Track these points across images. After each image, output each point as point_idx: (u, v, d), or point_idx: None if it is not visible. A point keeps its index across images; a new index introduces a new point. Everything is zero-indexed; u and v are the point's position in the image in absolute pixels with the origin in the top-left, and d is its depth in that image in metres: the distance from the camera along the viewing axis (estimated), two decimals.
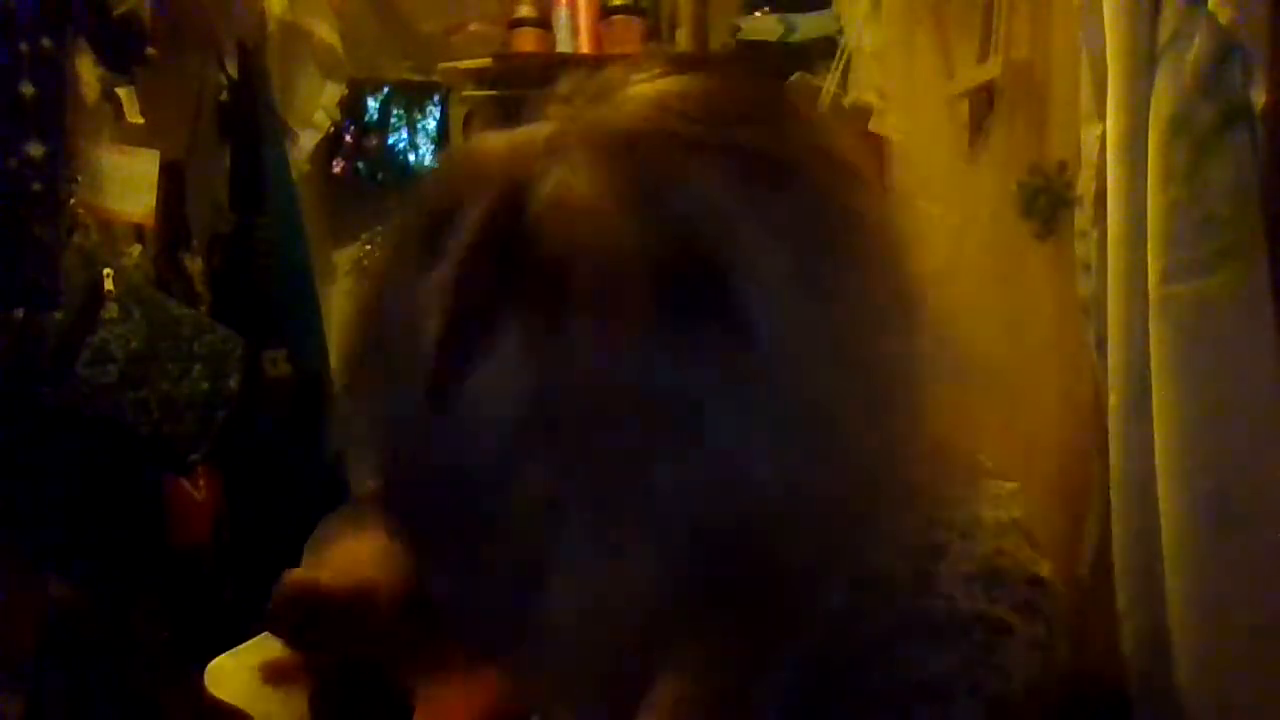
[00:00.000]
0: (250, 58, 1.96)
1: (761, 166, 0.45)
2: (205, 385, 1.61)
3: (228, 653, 0.94)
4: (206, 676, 0.92)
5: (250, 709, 0.88)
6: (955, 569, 0.56)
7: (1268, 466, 0.96)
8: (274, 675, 0.86)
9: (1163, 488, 1.03)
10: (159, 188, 1.69)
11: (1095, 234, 1.16)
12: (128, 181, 1.62)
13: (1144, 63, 1.03)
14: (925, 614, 0.55)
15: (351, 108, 2.23)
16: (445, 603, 0.48)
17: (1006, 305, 1.36)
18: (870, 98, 1.75)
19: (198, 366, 1.60)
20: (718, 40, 2.19)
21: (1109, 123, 1.09)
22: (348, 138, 2.26)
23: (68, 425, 1.45)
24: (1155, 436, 1.03)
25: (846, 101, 1.79)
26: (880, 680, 0.54)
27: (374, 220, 2.34)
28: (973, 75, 1.54)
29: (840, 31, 1.99)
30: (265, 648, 0.87)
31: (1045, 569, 0.58)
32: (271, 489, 1.92)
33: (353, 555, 0.86)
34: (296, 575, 0.82)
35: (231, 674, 0.92)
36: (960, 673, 0.53)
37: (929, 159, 1.65)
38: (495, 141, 0.45)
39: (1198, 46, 0.96)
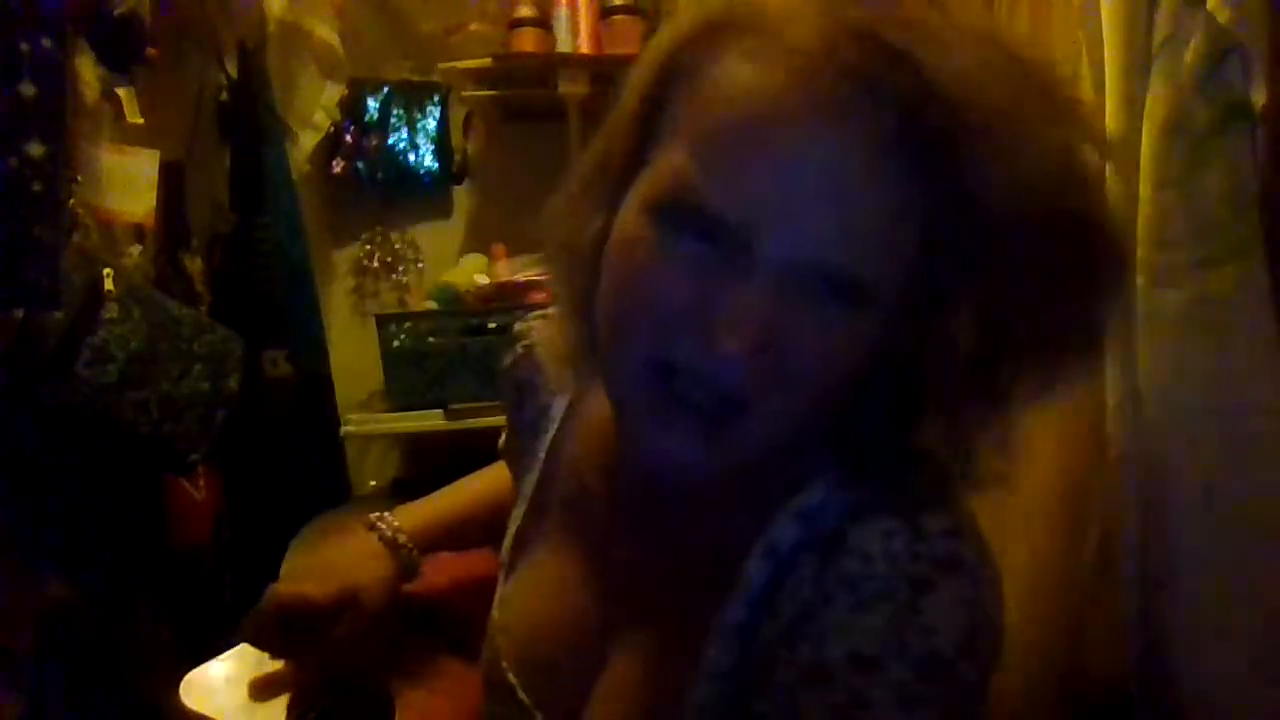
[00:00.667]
0: (250, 58, 1.97)
1: None
2: (205, 385, 1.61)
3: (206, 663, 0.94)
4: (183, 687, 0.92)
5: (227, 719, 0.88)
6: (873, 525, 0.56)
7: (1267, 466, 0.96)
8: (264, 690, 0.86)
9: (1162, 488, 1.03)
10: (159, 188, 1.69)
11: None
12: (128, 181, 1.62)
13: (1142, 62, 1.03)
14: (843, 578, 0.55)
15: (351, 108, 2.23)
16: None
17: None
18: None
19: (198, 366, 1.60)
20: None
21: (1108, 123, 1.09)
22: (348, 138, 2.26)
23: (68, 425, 1.45)
24: (1154, 437, 1.03)
25: None
26: (805, 653, 0.54)
27: (374, 220, 2.34)
28: None
29: None
30: (244, 657, 0.87)
31: (966, 517, 0.57)
32: (271, 489, 1.92)
33: (335, 562, 0.87)
34: (280, 591, 0.82)
35: (209, 684, 0.92)
36: (886, 636, 0.52)
37: None
38: None
39: (1196, 46, 0.96)
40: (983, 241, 0.51)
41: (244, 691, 0.87)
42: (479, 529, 0.92)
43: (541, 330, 0.77)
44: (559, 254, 0.65)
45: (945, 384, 0.55)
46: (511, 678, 0.71)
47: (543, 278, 2.01)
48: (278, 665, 0.86)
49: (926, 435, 0.57)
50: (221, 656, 0.93)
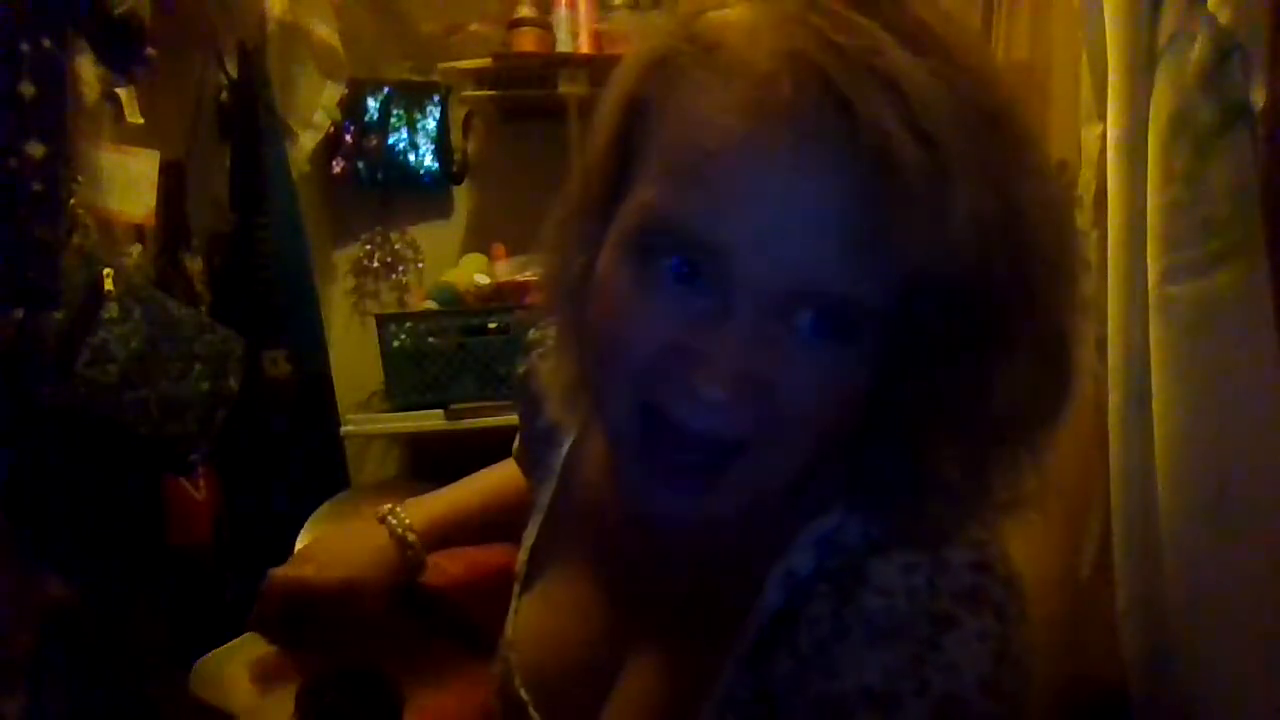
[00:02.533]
0: (250, 58, 1.96)
1: None
2: (205, 385, 1.61)
3: (215, 651, 0.94)
4: (194, 676, 0.92)
5: (237, 708, 0.88)
6: (892, 558, 0.54)
7: (1268, 466, 0.96)
8: (262, 675, 0.86)
9: (1163, 488, 1.03)
10: (159, 188, 1.69)
11: (1095, 234, 1.16)
12: (128, 181, 1.62)
13: (1144, 62, 1.03)
14: (862, 612, 0.53)
15: (351, 108, 2.23)
16: None
17: None
18: None
19: (198, 366, 1.60)
20: None
21: (1109, 123, 1.09)
22: (348, 138, 2.26)
23: (68, 425, 1.45)
24: (1155, 436, 1.03)
25: None
26: (819, 686, 0.52)
27: (374, 220, 2.34)
28: None
29: None
30: (253, 647, 0.87)
31: (992, 550, 0.55)
32: (271, 489, 1.92)
33: (339, 550, 0.86)
34: (282, 574, 0.82)
35: (219, 673, 0.92)
36: (905, 674, 0.50)
37: None
38: None
39: (1198, 46, 0.96)
40: (931, 274, 0.49)
41: (251, 680, 0.87)
42: (491, 526, 0.92)
43: (542, 364, 0.76)
44: (549, 290, 0.64)
45: (942, 415, 0.54)
46: (523, 695, 0.70)
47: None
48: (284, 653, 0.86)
49: (944, 460, 0.55)
50: (229, 645, 0.93)
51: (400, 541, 0.87)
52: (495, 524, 0.91)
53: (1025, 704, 0.53)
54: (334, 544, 0.88)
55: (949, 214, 0.47)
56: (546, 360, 0.73)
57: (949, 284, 0.49)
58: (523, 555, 0.77)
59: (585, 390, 0.63)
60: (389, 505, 0.89)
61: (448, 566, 0.91)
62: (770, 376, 0.51)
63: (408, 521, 0.88)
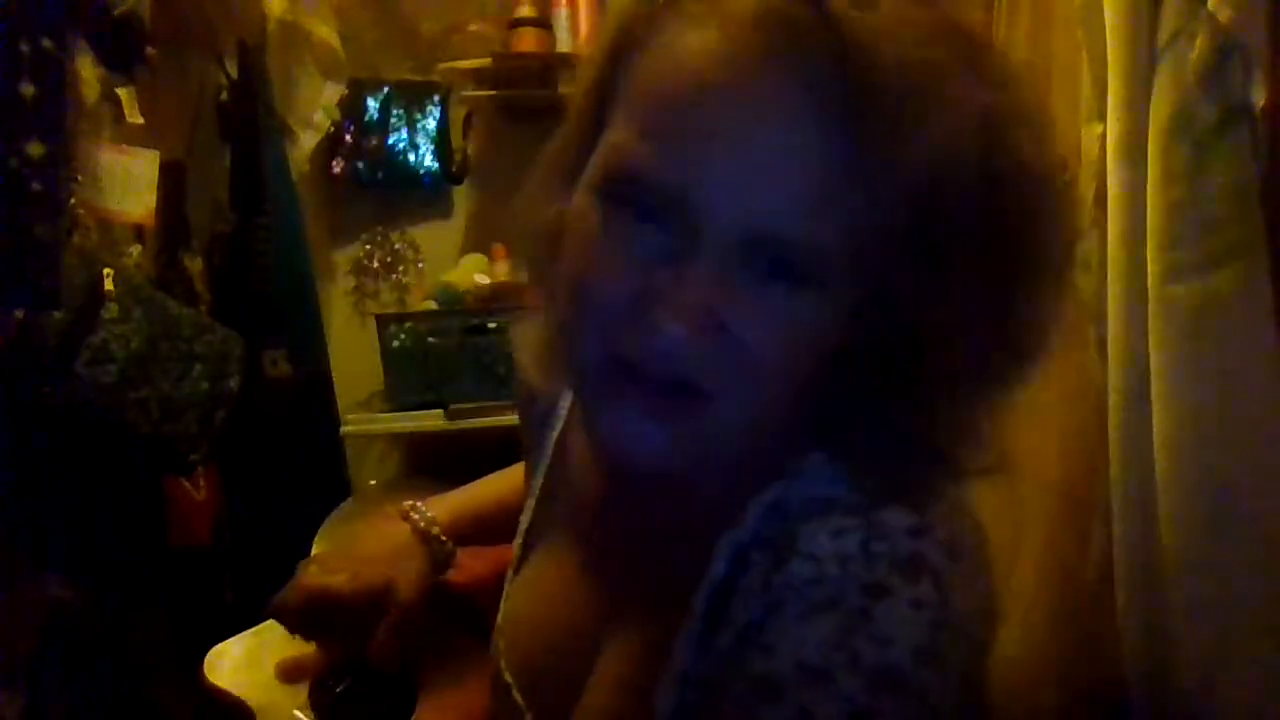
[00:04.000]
0: (250, 58, 1.96)
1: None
2: (205, 385, 1.61)
3: (229, 640, 0.94)
4: (206, 663, 0.92)
5: (250, 696, 0.88)
6: (825, 522, 0.52)
7: (1268, 467, 0.96)
8: (290, 674, 0.85)
9: (1162, 488, 1.03)
10: (159, 188, 1.69)
11: (1095, 234, 1.16)
12: (128, 181, 1.62)
13: (1144, 62, 1.03)
14: (791, 582, 0.51)
15: (351, 108, 2.23)
16: None
17: None
18: None
19: (198, 366, 1.60)
20: None
21: (1109, 123, 1.09)
22: (348, 138, 2.26)
23: (68, 425, 1.45)
24: (1155, 437, 1.03)
25: None
26: (758, 664, 0.50)
27: (374, 220, 2.34)
28: None
29: None
30: (267, 635, 0.87)
31: (936, 513, 0.52)
32: (271, 489, 1.92)
33: (367, 554, 0.85)
34: (311, 580, 0.81)
35: (232, 661, 0.92)
36: (836, 646, 0.48)
37: None
38: None
39: (1199, 46, 0.96)
40: (911, 210, 0.49)
41: (266, 668, 0.86)
42: (511, 523, 0.92)
43: (519, 328, 0.73)
44: (524, 248, 0.65)
45: (909, 370, 0.53)
46: (508, 676, 0.70)
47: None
48: (302, 644, 0.86)
49: (908, 419, 0.54)
50: (245, 633, 0.93)
51: (425, 536, 0.86)
52: (517, 522, 0.91)
53: (975, 672, 0.51)
54: (361, 549, 0.86)
55: (925, 141, 0.47)
56: (521, 323, 0.71)
57: (925, 220, 0.49)
58: (517, 539, 0.77)
59: (558, 346, 0.62)
60: (410, 501, 0.88)
61: (472, 564, 0.90)
62: (730, 318, 0.51)
63: (431, 515, 0.87)
